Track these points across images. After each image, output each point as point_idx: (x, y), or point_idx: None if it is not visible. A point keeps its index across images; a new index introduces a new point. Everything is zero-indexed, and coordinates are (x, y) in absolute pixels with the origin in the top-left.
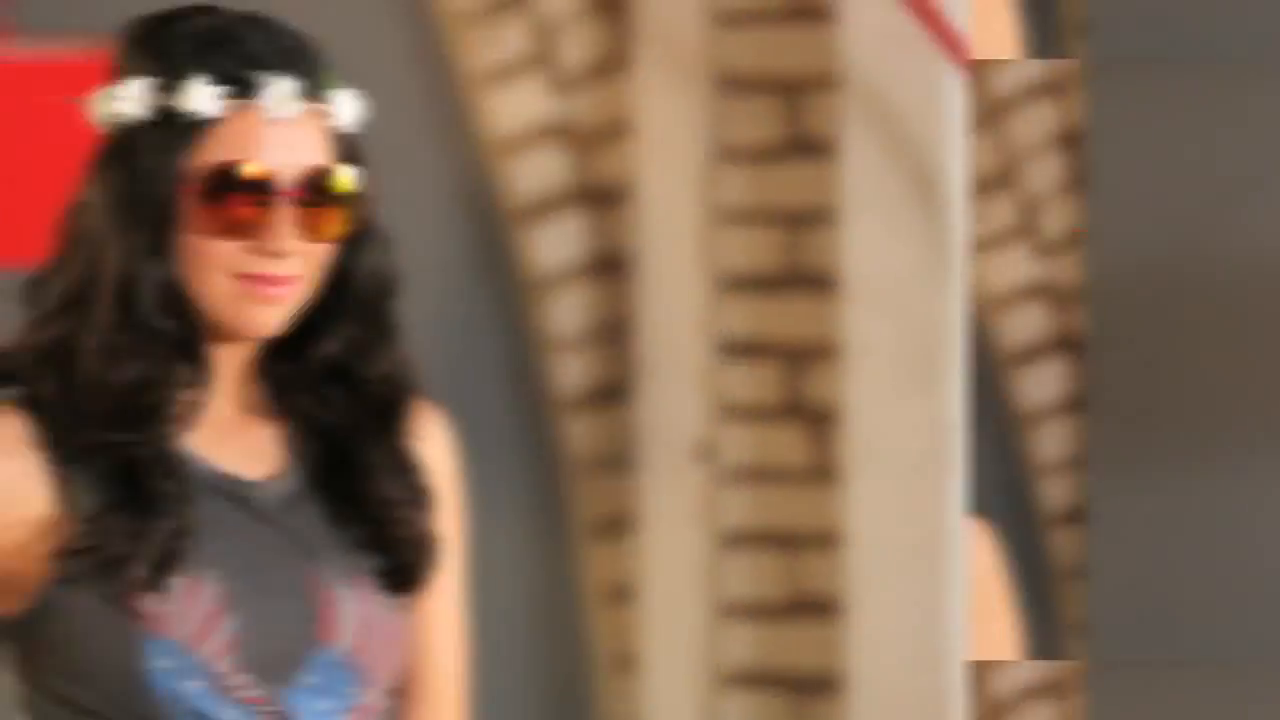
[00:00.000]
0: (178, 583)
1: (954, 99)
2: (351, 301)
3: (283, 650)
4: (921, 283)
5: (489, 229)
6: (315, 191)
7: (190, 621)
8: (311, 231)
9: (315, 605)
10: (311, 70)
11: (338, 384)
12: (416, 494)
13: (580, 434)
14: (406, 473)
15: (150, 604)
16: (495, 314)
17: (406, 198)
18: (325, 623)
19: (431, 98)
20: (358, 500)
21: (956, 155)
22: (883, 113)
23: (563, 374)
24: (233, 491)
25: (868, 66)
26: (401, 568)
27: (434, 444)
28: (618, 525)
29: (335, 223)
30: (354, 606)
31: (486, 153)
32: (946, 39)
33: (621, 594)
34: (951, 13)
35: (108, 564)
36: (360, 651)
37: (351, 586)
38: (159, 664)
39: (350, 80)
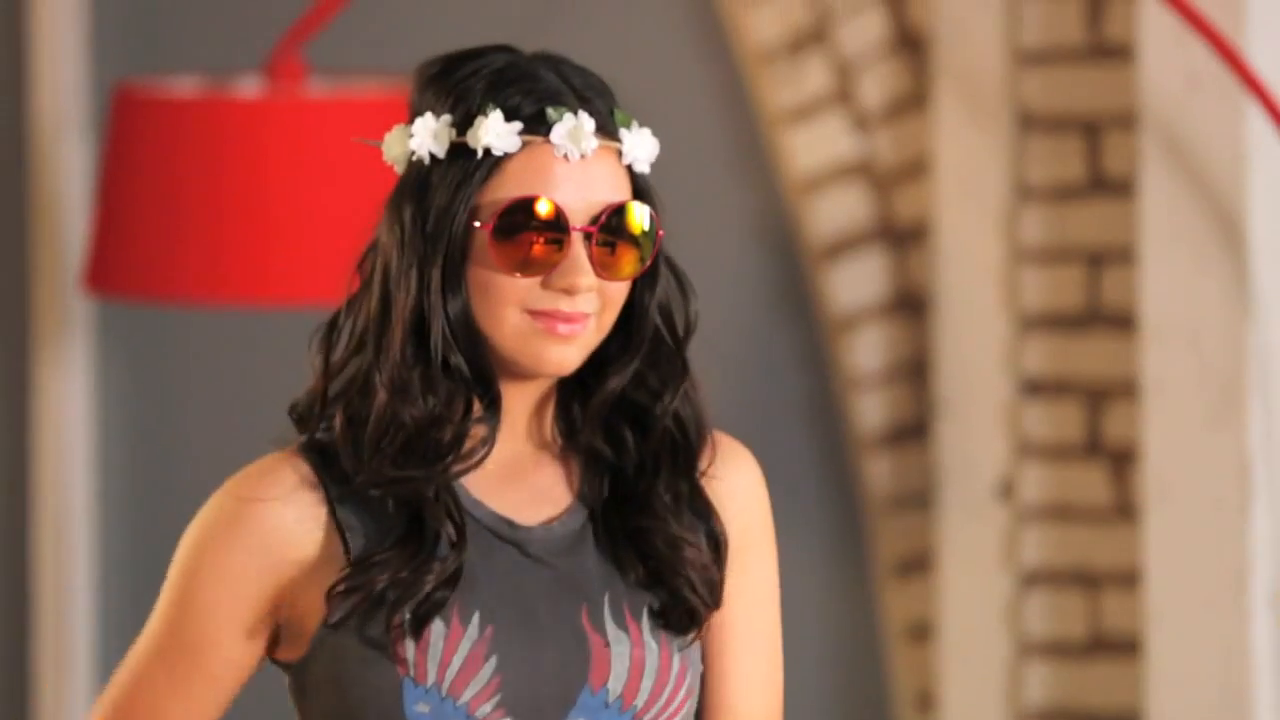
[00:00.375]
0: (439, 627)
1: (1255, 137)
2: (640, 338)
3: (550, 694)
4: (1222, 320)
5: (789, 267)
6: (608, 229)
7: (450, 666)
8: (604, 269)
9: (586, 649)
10: (604, 108)
11: (629, 422)
12: (702, 534)
13: (880, 473)
14: (693, 513)
15: (411, 648)
16: (796, 352)
17: (708, 236)
18: (595, 667)
19: (733, 136)
20: (641, 539)
21: (1258, 193)
22: (1183, 150)
23: (863, 413)
24: (508, 535)
25: (1168, 104)
26: (679, 608)
27: (736, 483)
28: (918, 564)
29: (629, 261)
30: (626, 649)
31: (787, 191)
32: (1248, 78)
33: (922, 632)
34: (1251, 52)
35: (373, 607)
36: (631, 695)
37: (625, 629)
38: (417, 709)
39: (651, 118)
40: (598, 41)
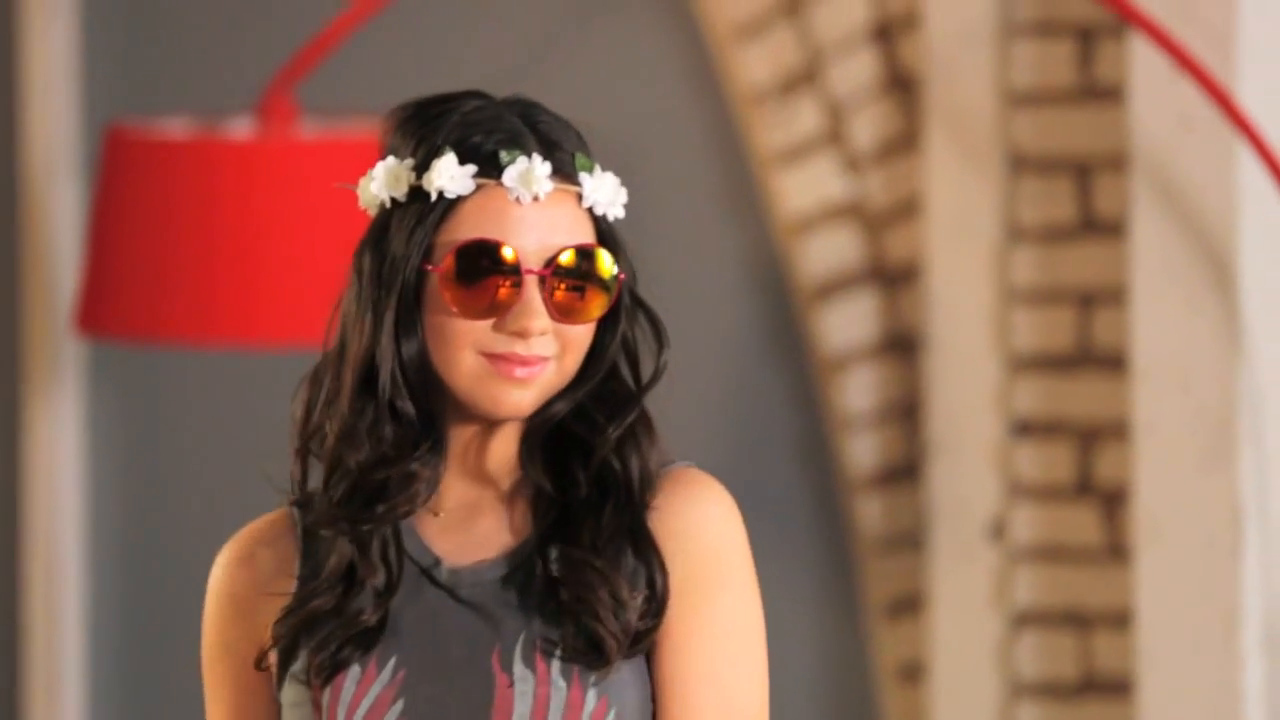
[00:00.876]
0: (355, 672)
1: (1246, 179)
2: (591, 375)
3: None
4: (1213, 361)
5: (781, 308)
6: (562, 272)
7: (358, 710)
8: (561, 312)
9: (491, 690)
10: (564, 152)
11: (576, 456)
12: (642, 573)
13: (872, 513)
14: (635, 550)
15: (327, 693)
16: (787, 393)
17: (699, 276)
18: (499, 707)
19: (724, 177)
20: (564, 573)
21: (1249, 234)
22: (1174, 192)
23: (854, 453)
24: (442, 579)
25: (1159, 146)
26: (589, 644)
27: (687, 517)
28: (909, 604)
29: (587, 305)
30: (530, 688)
31: (778, 232)
32: (1238, 119)
33: (913, 673)
34: (1241, 93)
35: (295, 649)
36: None
37: (532, 669)
38: None
39: (642, 160)
40: (589, 84)
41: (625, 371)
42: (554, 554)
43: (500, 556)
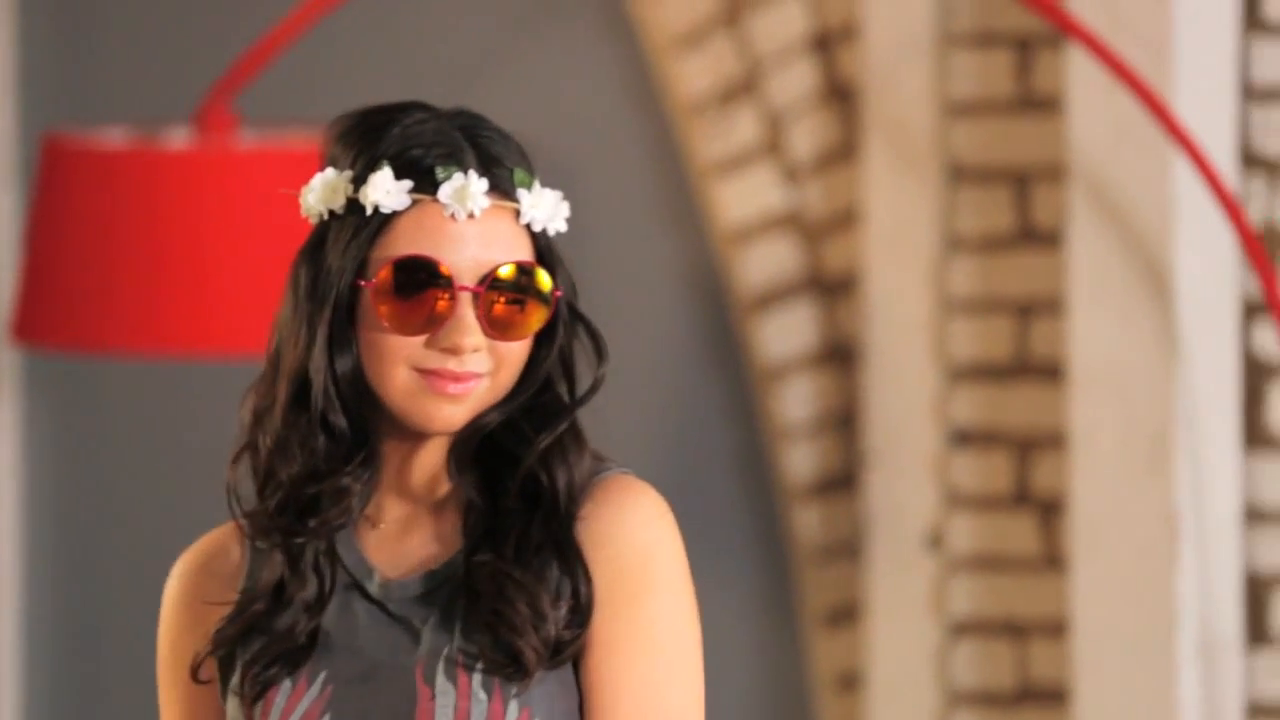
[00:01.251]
0: (286, 686)
1: (1182, 189)
2: (524, 388)
3: None
4: (1149, 371)
5: (719, 318)
6: (496, 288)
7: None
8: (495, 329)
9: (413, 703)
10: (503, 168)
11: (505, 467)
12: (566, 584)
13: (810, 523)
14: (561, 561)
15: (258, 707)
16: (725, 403)
17: (638, 286)
18: (422, 718)
19: (663, 187)
20: (486, 587)
21: (1185, 244)
22: (1111, 202)
23: (792, 463)
24: (374, 593)
25: (1096, 156)
26: (509, 656)
27: (613, 525)
28: (847, 614)
29: (521, 321)
30: (451, 701)
31: (717, 242)
32: (1175, 130)
33: (850, 682)
34: (1178, 104)
35: (231, 662)
36: None
37: (453, 681)
38: None
39: (582, 170)
40: (529, 95)
41: (560, 385)
42: (477, 566)
43: (428, 569)
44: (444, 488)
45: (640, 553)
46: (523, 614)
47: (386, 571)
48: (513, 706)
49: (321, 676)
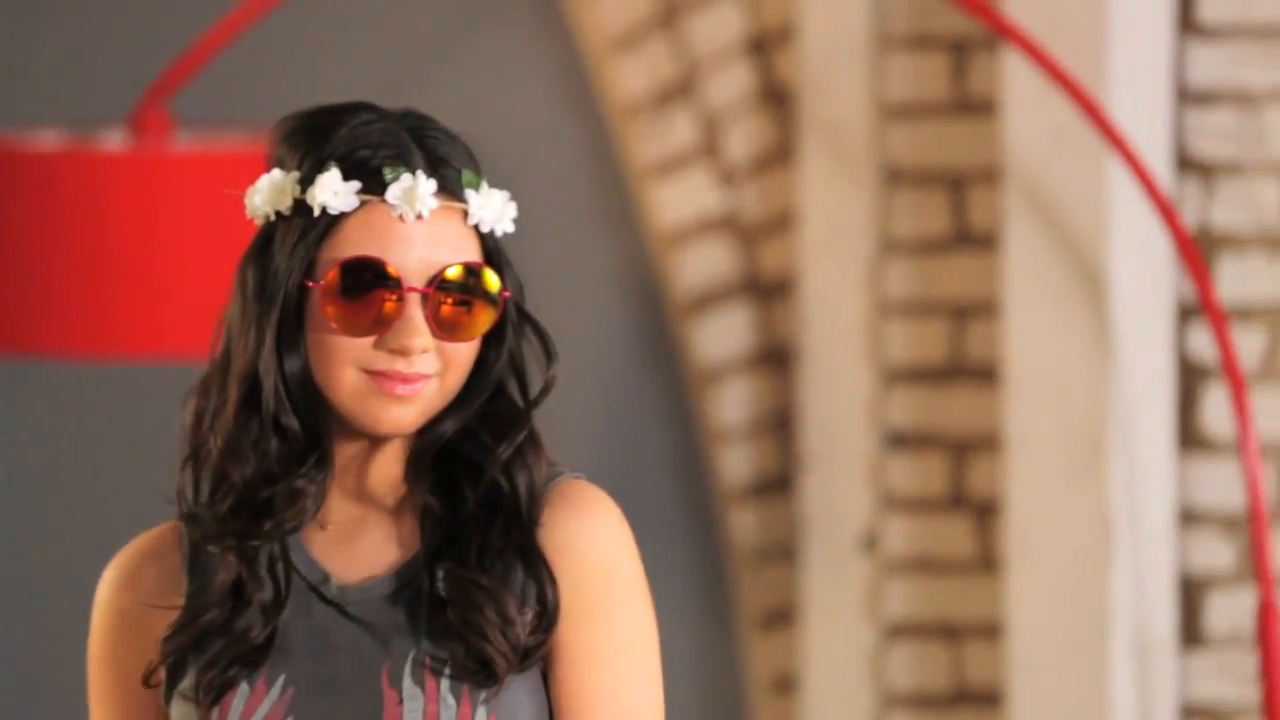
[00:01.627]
0: (244, 690)
1: (1117, 192)
2: (478, 393)
3: None
4: (1084, 374)
5: (655, 320)
6: (445, 289)
7: None
8: (443, 330)
9: (380, 708)
10: (450, 169)
11: (464, 474)
12: (532, 591)
13: (745, 525)
14: (525, 568)
15: (215, 711)
16: (662, 405)
17: (575, 288)
18: None
19: (599, 190)
20: (451, 592)
21: (1120, 247)
22: (1046, 205)
23: (728, 465)
24: (331, 595)
25: (1031, 159)
26: (478, 662)
27: (576, 535)
28: (782, 615)
29: (469, 322)
30: (419, 706)
31: (653, 244)
32: (1109, 133)
33: (786, 684)
34: (1113, 107)
35: (186, 665)
36: None
37: (421, 686)
38: None
39: (518, 172)
40: (466, 96)
41: (512, 387)
42: (441, 572)
43: (388, 573)
44: (393, 491)
45: (604, 560)
46: (491, 620)
47: (342, 575)
48: (481, 712)
49: (280, 680)
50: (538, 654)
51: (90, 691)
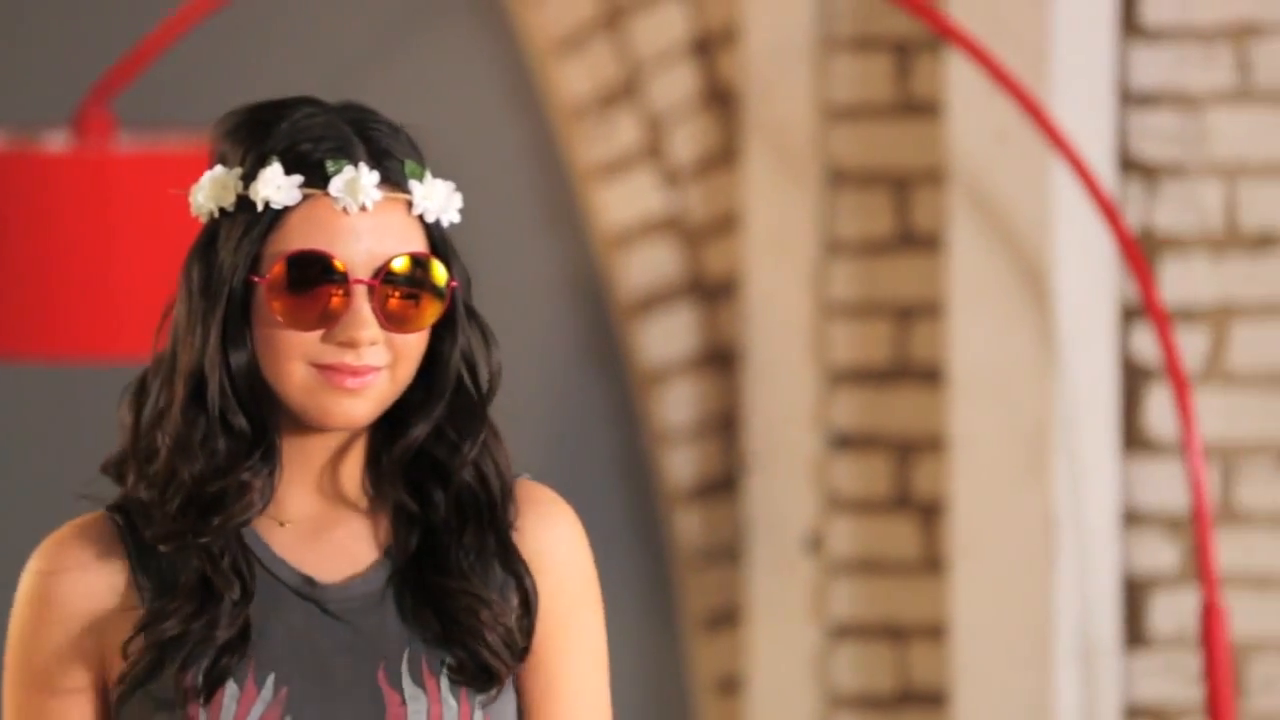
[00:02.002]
0: (233, 689)
1: (1060, 193)
2: (441, 389)
3: None
4: (1028, 375)
5: (600, 322)
6: (391, 281)
7: None
8: (391, 322)
9: (382, 708)
10: (393, 160)
11: (433, 475)
12: (512, 590)
13: (690, 526)
14: (504, 568)
15: (204, 713)
16: (606, 407)
17: (519, 290)
18: None
19: (544, 192)
20: (439, 596)
21: (1063, 248)
22: (990, 206)
23: (673, 466)
24: (307, 593)
25: (975, 160)
26: (477, 667)
27: (550, 538)
28: (727, 617)
29: (417, 313)
30: (423, 707)
31: (598, 246)
32: (1053, 134)
33: (731, 685)
34: (1056, 109)
35: (161, 665)
36: None
37: (422, 687)
38: None
39: (463, 173)
40: (411, 97)
41: (468, 383)
42: (427, 575)
43: (368, 572)
44: (360, 488)
45: (572, 567)
46: (487, 624)
47: (316, 573)
48: (479, 714)
49: (271, 679)
50: (525, 654)
51: (10, 689)
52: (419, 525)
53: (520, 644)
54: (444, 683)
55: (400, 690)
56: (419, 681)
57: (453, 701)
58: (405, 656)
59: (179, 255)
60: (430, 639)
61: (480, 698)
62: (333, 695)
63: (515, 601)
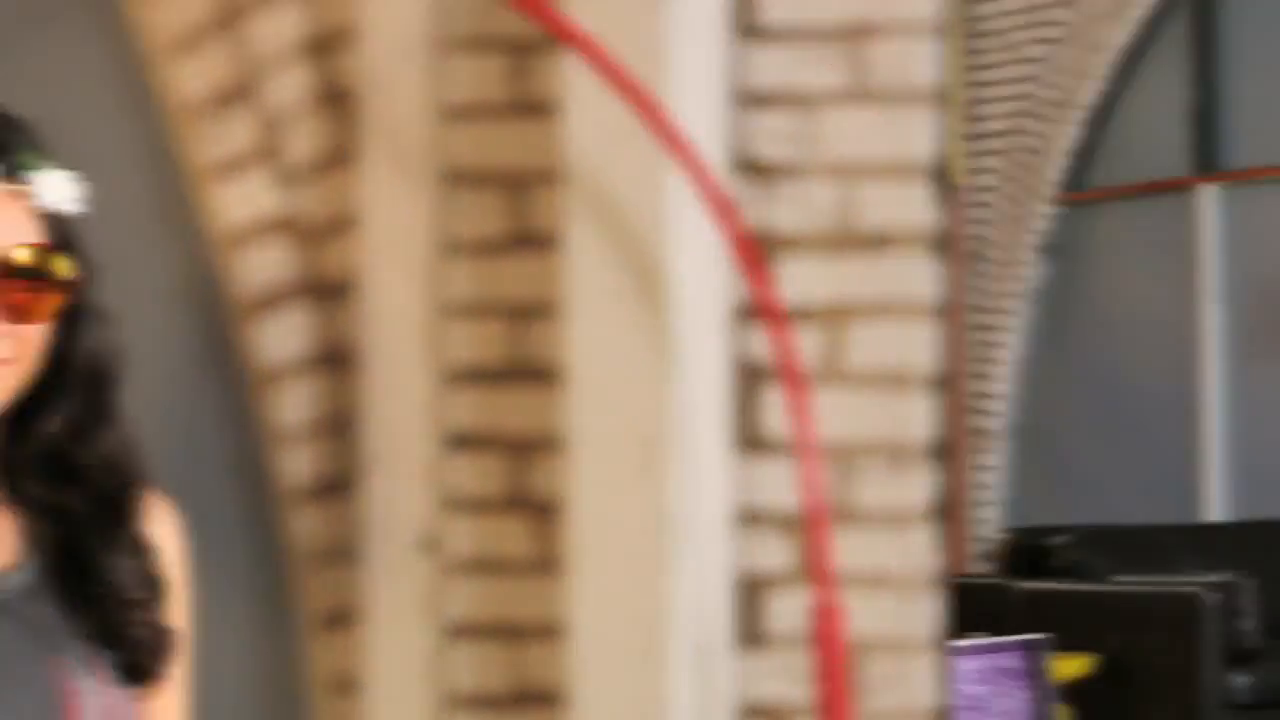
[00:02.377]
0: None
1: (676, 193)
2: (69, 383)
3: None
4: (644, 376)
5: (215, 322)
6: (13, 274)
7: None
8: (13, 314)
9: (60, 698)
10: (9, 153)
11: (64, 469)
12: (150, 586)
13: (306, 526)
14: (140, 563)
15: None
16: (221, 407)
17: (132, 290)
18: (70, 715)
19: (158, 190)
20: (92, 592)
21: (679, 250)
22: (606, 207)
23: (289, 467)
24: None
25: (591, 161)
26: (136, 663)
27: (161, 533)
28: (343, 617)
29: (40, 304)
30: (96, 698)
31: (213, 245)
32: (669, 136)
33: (347, 686)
34: (672, 109)
35: None
36: None
37: (94, 677)
38: None
39: (73, 169)
40: (20, 95)
41: (95, 376)
42: (74, 574)
43: (20, 563)
44: None
45: (178, 562)
46: (147, 618)
47: None
48: (138, 706)
49: None
50: (172, 639)
51: None
52: (60, 520)
53: (172, 635)
54: (108, 676)
55: (75, 680)
56: (90, 671)
57: (117, 692)
58: (73, 648)
59: None
60: (88, 634)
61: (137, 689)
62: (8, 687)
63: (151, 598)
